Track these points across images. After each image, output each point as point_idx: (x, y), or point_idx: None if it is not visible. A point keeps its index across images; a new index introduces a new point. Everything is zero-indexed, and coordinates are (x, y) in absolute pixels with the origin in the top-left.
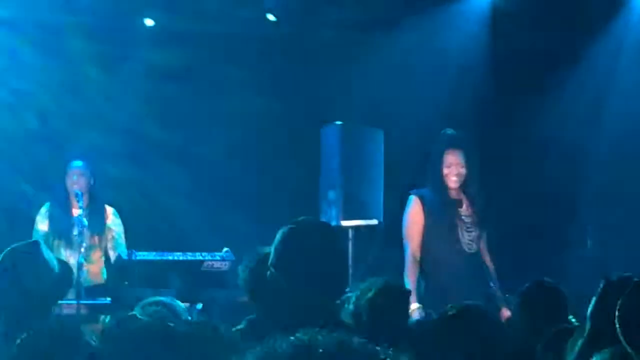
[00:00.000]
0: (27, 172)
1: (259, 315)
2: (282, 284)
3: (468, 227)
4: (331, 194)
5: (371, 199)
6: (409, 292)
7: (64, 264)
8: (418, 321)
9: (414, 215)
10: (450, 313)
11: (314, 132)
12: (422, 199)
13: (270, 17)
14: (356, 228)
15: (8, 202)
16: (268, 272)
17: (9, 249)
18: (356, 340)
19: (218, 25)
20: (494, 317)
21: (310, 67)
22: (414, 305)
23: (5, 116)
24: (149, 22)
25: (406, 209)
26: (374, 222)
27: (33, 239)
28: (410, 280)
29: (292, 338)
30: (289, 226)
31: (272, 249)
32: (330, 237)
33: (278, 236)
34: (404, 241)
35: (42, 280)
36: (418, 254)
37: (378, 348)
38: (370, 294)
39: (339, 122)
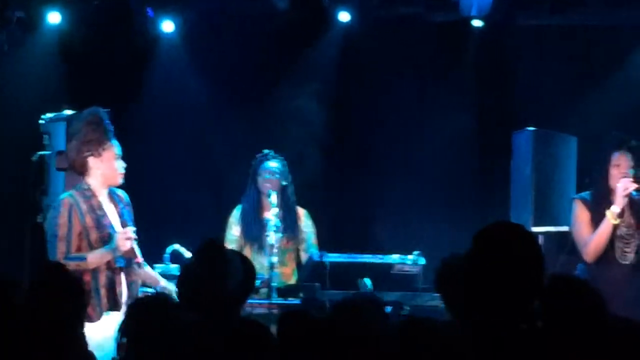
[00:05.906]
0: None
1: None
2: (475, 287)
3: (625, 237)
4: (522, 200)
5: (562, 205)
6: None
7: (249, 272)
8: None
9: (581, 217)
10: None
11: (505, 137)
12: (584, 202)
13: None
14: (546, 234)
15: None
16: (464, 275)
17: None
18: None
19: None
20: None
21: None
22: None
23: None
24: None
25: (572, 213)
26: (565, 228)
27: (226, 243)
28: None
29: None
30: (485, 229)
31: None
32: (528, 239)
33: (474, 239)
34: (578, 247)
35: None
36: (591, 257)
37: None
38: None
39: (531, 128)
